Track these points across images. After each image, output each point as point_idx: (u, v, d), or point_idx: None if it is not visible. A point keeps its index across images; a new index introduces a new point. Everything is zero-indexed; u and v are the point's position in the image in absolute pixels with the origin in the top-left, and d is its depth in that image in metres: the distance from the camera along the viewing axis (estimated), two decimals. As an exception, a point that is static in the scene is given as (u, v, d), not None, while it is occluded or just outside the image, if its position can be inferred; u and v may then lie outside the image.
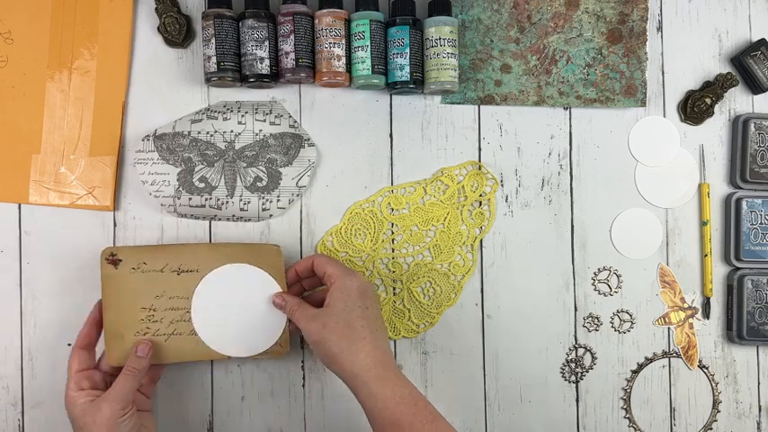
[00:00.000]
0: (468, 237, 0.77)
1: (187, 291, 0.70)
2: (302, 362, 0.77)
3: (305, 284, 0.74)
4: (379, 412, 0.63)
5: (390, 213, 0.76)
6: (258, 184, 0.75)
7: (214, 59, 0.72)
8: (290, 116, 0.76)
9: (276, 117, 0.75)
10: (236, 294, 0.71)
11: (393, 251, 0.76)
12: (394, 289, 0.77)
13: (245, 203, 0.75)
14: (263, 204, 0.75)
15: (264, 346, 0.71)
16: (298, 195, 0.75)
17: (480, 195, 0.77)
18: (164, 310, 0.70)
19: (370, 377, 0.64)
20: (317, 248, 0.76)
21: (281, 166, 0.75)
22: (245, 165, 0.75)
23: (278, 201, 0.75)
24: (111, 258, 0.69)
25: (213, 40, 0.71)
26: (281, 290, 0.71)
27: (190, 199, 0.74)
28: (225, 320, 0.71)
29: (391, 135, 0.77)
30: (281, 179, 0.75)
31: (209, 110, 0.75)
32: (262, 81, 0.73)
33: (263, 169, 0.75)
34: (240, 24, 0.72)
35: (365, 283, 0.68)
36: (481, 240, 0.77)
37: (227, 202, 0.74)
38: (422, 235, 0.77)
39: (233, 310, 0.71)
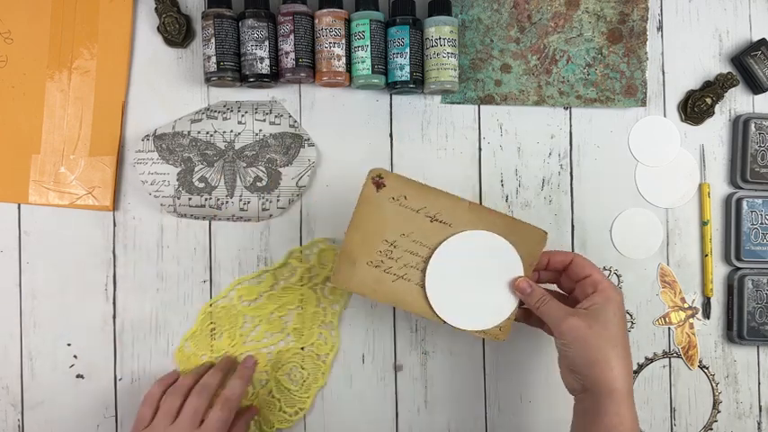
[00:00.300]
0: (326, 314, 0.76)
1: (433, 240, 0.67)
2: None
3: (541, 276, 0.70)
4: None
5: (245, 306, 0.75)
6: (258, 183, 0.75)
7: (214, 59, 0.72)
8: (290, 116, 0.76)
9: (276, 117, 0.75)
10: (478, 263, 0.67)
11: (254, 343, 0.75)
12: (261, 381, 0.75)
13: (244, 203, 0.75)
14: (263, 204, 0.75)
15: (485, 326, 0.68)
16: (298, 195, 0.75)
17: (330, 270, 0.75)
18: (403, 250, 0.67)
19: (623, 395, 0.61)
20: (175, 356, 0.75)
21: (280, 166, 0.75)
22: (244, 165, 0.75)
23: (278, 201, 0.75)
24: (377, 180, 0.66)
25: (213, 40, 0.71)
26: (524, 275, 0.67)
27: (189, 199, 0.74)
28: (456, 286, 0.67)
29: (391, 135, 0.77)
30: (280, 179, 0.75)
31: (208, 110, 0.75)
32: (262, 81, 0.72)
33: (263, 169, 0.75)
34: (240, 24, 0.72)
35: (623, 302, 0.65)
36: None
37: (227, 202, 0.74)
38: (280, 321, 0.75)
39: (468, 279, 0.67)
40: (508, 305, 0.68)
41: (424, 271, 0.67)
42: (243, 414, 0.72)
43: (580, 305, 0.64)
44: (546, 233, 0.67)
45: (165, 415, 0.65)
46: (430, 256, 0.67)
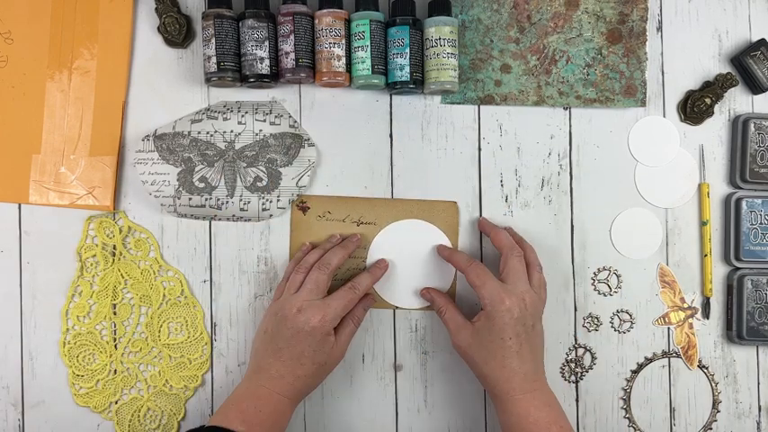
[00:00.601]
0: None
1: (364, 241, 0.76)
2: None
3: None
4: (516, 429, 0.67)
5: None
6: (258, 183, 0.75)
7: (214, 59, 0.72)
8: (290, 116, 0.76)
9: (276, 117, 0.75)
10: (409, 248, 0.76)
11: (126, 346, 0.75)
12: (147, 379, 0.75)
13: (245, 203, 0.75)
14: (263, 204, 0.75)
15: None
16: (298, 195, 0.75)
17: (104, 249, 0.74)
18: None
19: (519, 396, 0.67)
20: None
21: (281, 166, 0.75)
22: (245, 165, 0.75)
23: (278, 201, 0.75)
24: (301, 205, 0.75)
25: (213, 40, 0.71)
26: (451, 245, 0.76)
27: (190, 199, 0.74)
28: (397, 273, 0.76)
29: (391, 135, 0.77)
30: (281, 179, 0.75)
31: (209, 110, 0.75)
32: (262, 81, 0.73)
33: (263, 169, 0.75)
34: (240, 24, 0.72)
35: (522, 305, 0.67)
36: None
37: (227, 202, 0.74)
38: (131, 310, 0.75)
39: (406, 264, 0.76)
40: (448, 277, 0.77)
41: (365, 269, 0.76)
42: (362, 300, 0.73)
43: (474, 318, 0.70)
44: (455, 202, 0.76)
45: (291, 286, 0.71)
46: (367, 255, 0.76)
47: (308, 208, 0.75)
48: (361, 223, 0.76)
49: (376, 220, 0.76)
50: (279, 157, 0.75)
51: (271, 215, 0.75)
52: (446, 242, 0.76)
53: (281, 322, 0.68)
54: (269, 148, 0.75)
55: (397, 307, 0.76)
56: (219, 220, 0.75)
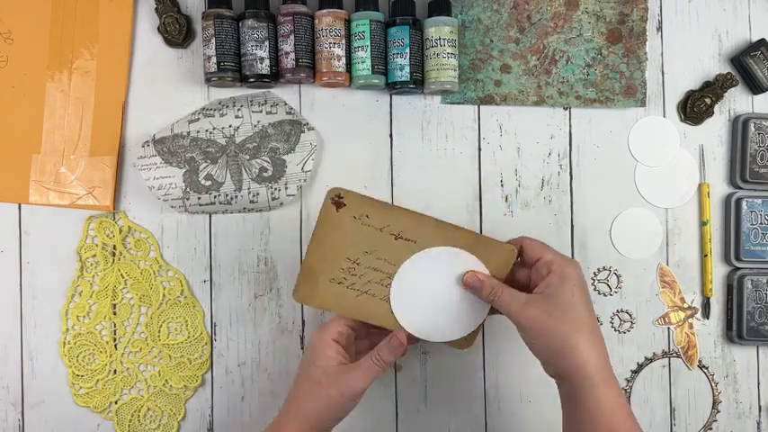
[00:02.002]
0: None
1: (397, 257, 0.66)
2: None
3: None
4: (598, 418, 0.58)
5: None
6: (264, 174, 0.74)
7: (214, 59, 0.72)
8: (286, 103, 0.75)
9: (272, 106, 0.75)
10: (443, 278, 0.66)
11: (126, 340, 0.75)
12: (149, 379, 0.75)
13: (253, 195, 0.74)
14: (272, 194, 0.74)
15: (452, 336, 0.68)
16: (305, 180, 0.75)
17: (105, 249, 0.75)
18: (366, 267, 0.67)
19: (598, 378, 0.58)
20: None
21: (283, 154, 0.75)
22: (248, 157, 0.74)
23: (286, 188, 0.74)
24: (336, 200, 0.65)
25: (213, 40, 0.71)
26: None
27: (199, 198, 0.74)
28: (422, 299, 0.67)
29: (391, 135, 0.77)
30: (285, 167, 0.75)
31: (204, 109, 0.75)
32: (262, 81, 0.73)
33: (267, 159, 0.74)
34: (240, 24, 0.72)
35: (583, 274, 0.62)
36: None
37: (236, 197, 0.74)
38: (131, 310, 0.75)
39: (434, 293, 0.67)
40: (476, 317, 0.67)
41: (388, 286, 0.67)
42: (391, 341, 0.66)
43: (536, 289, 0.62)
44: (515, 249, 0.65)
45: None
46: (395, 272, 0.67)
47: (344, 205, 0.65)
48: (400, 238, 0.66)
49: (418, 239, 0.66)
50: (280, 145, 0.75)
51: (281, 203, 0.75)
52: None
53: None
54: (269, 137, 0.74)
55: (409, 335, 0.67)
56: (232, 213, 0.75)
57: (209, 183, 0.74)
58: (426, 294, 0.67)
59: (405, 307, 0.67)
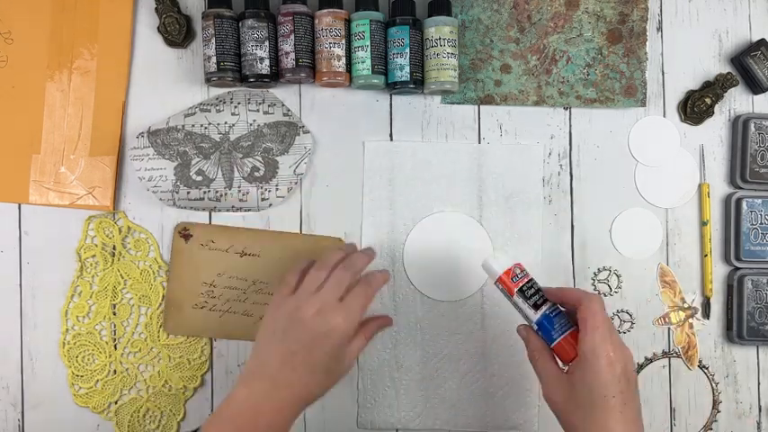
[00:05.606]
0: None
1: (246, 273, 0.74)
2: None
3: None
4: None
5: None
6: (255, 174, 0.74)
7: (214, 59, 0.72)
8: (283, 104, 0.75)
9: (269, 106, 0.75)
10: (446, 244, 0.76)
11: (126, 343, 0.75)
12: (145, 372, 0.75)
13: (243, 194, 0.74)
14: (262, 194, 0.75)
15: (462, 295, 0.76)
16: (296, 183, 0.75)
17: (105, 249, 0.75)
18: (222, 288, 0.74)
19: None
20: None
21: (277, 155, 0.75)
22: (241, 156, 0.74)
23: (276, 190, 0.75)
24: (184, 233, 0.74)
25: (213, 40, 0.71)
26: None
27: (188, 192, 0.74)
28: (431, 264, 0.76)
29: (391, 135, 0.77)
30: (278, 168, 0.75)
31: (201, 104, 0.75)
32: (262, 81, 0.73)
33: (260, 159, 0.74)
34: (240, 24, 0.72)
35: (626, 358, 0.59)
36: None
37: (226, 194, 0.74)
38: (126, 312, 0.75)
39: (441, 257, 0.76)
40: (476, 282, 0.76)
41: (245, 301, 0.74)
42: (377, 318, 0.70)
43: (569, 369, 0.61)
44: (341, 239, 0.75)
45: (310, 283, 0.63)
46: (248, 288, 0.74)
47: (191, 236, 0.74)
48: (245, 254, 0.74)
49: (260, 252, 0.74)
50: (275, 145, 0.75)
51: (270, 204, 0.75)
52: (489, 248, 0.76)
53: (296, 324, 0.61)
54: (264, 137, 0.74)
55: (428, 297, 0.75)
56: (219, 211, 0.75)
57: (199, 178, 0.74)
58: (433, 258, 0.76)
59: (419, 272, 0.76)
